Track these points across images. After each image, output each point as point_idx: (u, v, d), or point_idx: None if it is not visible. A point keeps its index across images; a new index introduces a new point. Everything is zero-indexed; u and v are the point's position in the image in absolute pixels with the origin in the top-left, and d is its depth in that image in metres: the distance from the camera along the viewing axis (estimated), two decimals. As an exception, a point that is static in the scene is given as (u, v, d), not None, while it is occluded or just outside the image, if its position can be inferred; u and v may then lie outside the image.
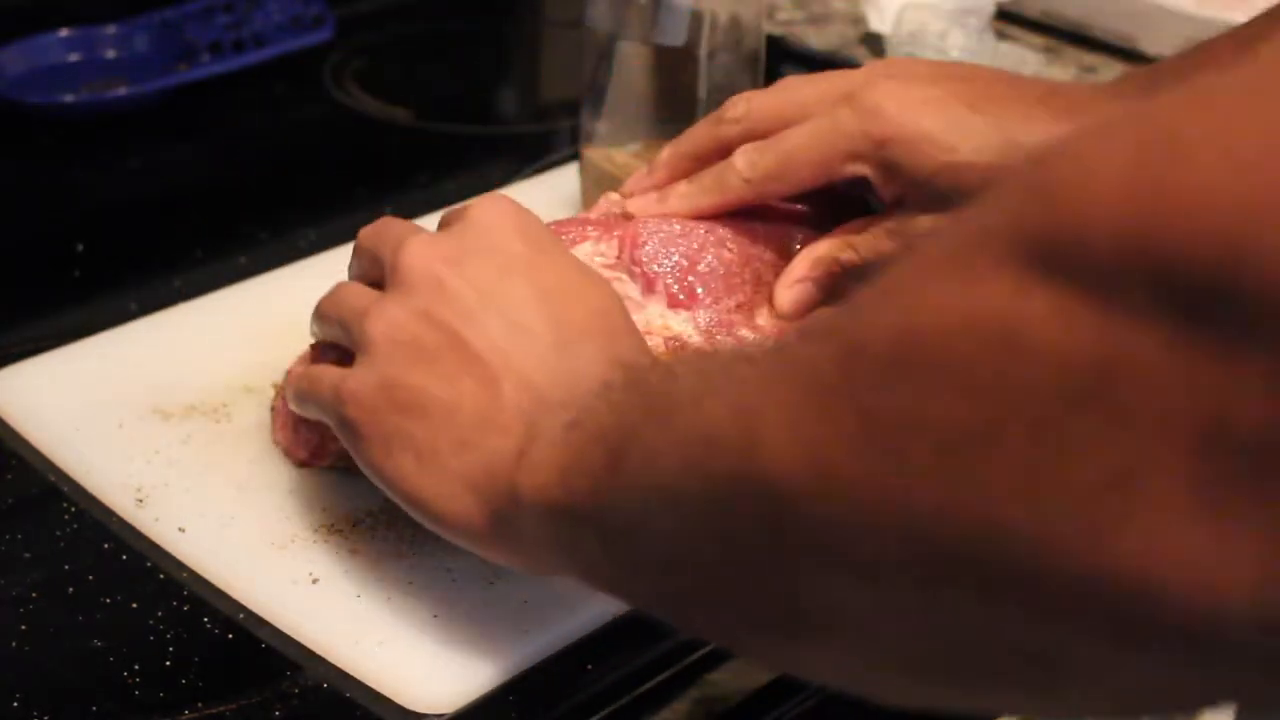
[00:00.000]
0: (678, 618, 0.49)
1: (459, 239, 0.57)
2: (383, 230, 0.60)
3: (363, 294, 0.59)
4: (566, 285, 0.57)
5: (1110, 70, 1.17)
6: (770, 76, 1.20)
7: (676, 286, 0.66)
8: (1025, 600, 0.33)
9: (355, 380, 0.56)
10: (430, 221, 0.84)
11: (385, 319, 0.55)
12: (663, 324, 0.65)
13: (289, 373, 0.64)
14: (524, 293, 0.55)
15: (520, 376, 0.53)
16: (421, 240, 0.57)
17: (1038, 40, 1.22)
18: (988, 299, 0.33)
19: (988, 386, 0.33)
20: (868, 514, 0.36)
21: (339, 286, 0.61)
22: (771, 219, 0.69)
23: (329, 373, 0.58)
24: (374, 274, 0.60)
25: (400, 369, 0.55)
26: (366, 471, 0.57)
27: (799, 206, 0.69)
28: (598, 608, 0.60)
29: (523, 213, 0.59)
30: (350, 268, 0.63)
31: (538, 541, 0.52)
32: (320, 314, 0.61)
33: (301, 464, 0.66)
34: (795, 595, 0.40)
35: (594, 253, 0.67)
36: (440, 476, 0.54)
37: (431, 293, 0.55)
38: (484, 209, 0.58)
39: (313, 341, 0.68)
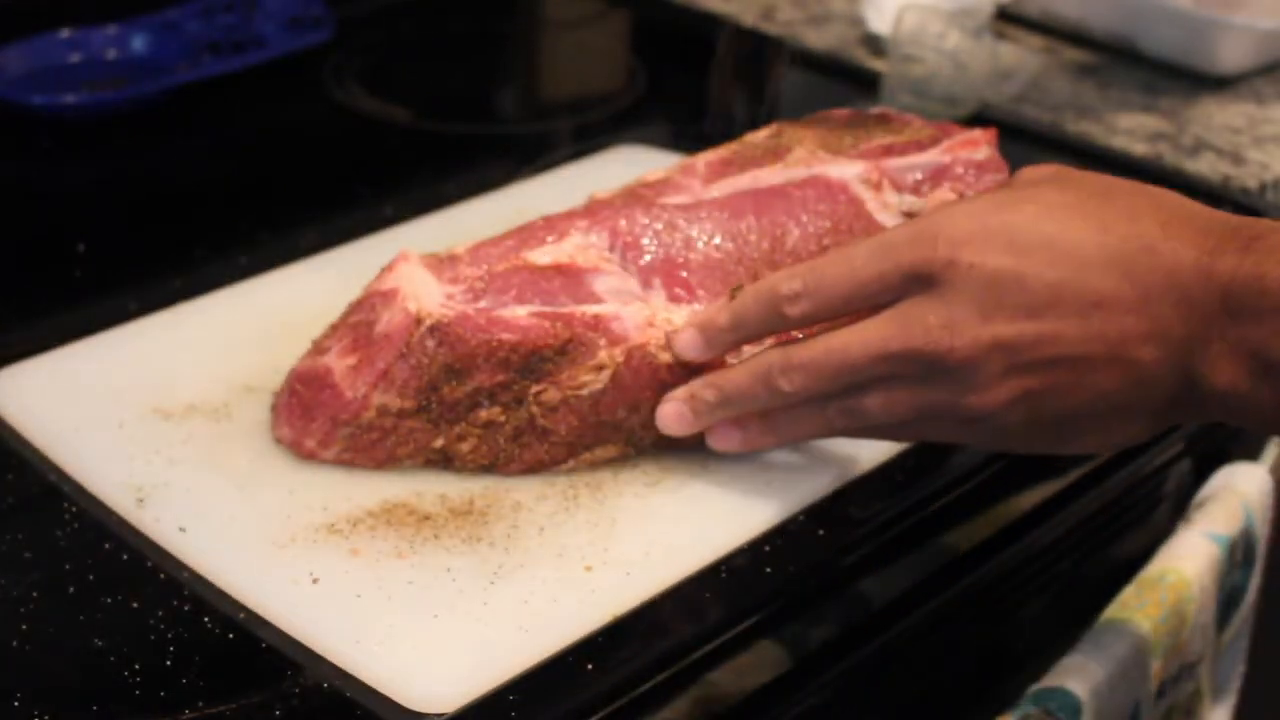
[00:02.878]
0: None
1: (956, 303, 0.58)
2: (847, 356, 0.60)
3: (911, 395, 0.60)
4: (1057, 239, 0.58)
5: (1110, 70, 1.17)
6: (770, 77, 1.20)
7: (672, 280, 0.66)
8: None
9: (1002, 436, 0.61)
10: (430, 220, 0.85)
11: (981, 398, 0.59)
12: (665, 318, 0.65)
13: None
14: (1048, 283, 0.57)
15: (1126, 337, 0.57)
16: (932, 336, 0.58)
17: (1037, 40, 1.22)
18: None
19: None
20: None
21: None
22: (763, 212, 0.69)
23: (934, 406, 0.60)
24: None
25: (1026, 414, 0.59)
26: (1016, 450, 0.64)
27: (792, 201, 0.69)
28: (596, 609, 0.60)
29: (946, 231, 0.59)
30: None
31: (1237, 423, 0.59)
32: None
33: (309, 455, 0.66)
34: None
35: (585, 244, 0.67)
36: (1125, 432, 0.60)
37: (996, 357, 0.58)
38: (940, 265, 0.58)
39: (322, 336, 0.68)
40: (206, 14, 1.07)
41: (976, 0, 1.14)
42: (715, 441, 0.65)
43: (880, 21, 1.16)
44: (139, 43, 1.06)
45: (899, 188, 0.71)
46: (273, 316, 0.75)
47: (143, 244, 0.88)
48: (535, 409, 0.65)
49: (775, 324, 0.63)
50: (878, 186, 0.70)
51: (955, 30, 1.04)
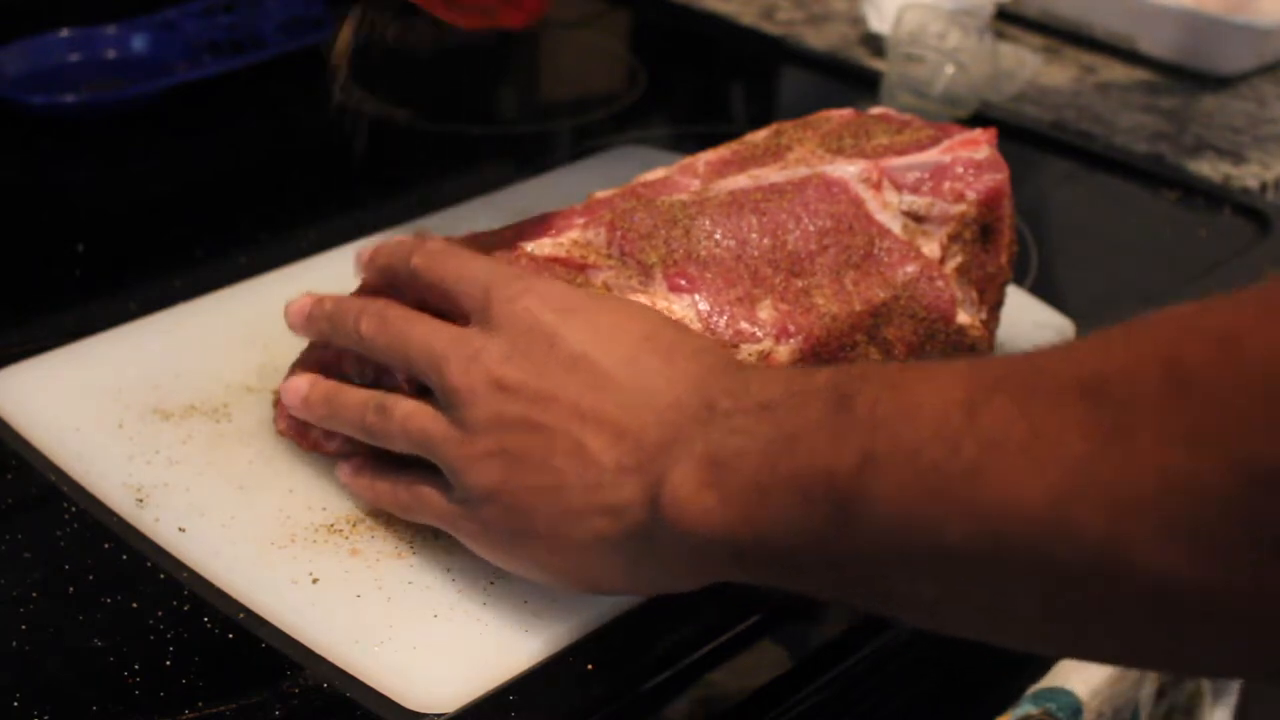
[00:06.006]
0: (877, 609, 0.52)
1: (496, 334, 0.58)
2: (412, 332, 0.60)
3: (428, 415, 0.59)
4: (608, 327, 0.58)
5: (1110, 70, 1.17)
6: (770, 77, 1.20)
7: (672, 272, 0.66)
8: None
9: (461, 503, 0.59)
10: (430, 221, 0.85)
11: (466, 444, 0.57)
12: (666, 306, 0.65)
13: (352, 469, 0.64)
14: (573, 352, 0.56)
15: (603, 429, 0.55)
16: (462, 356, 0.58)
17: (1037, 40, 1.22)
18: None
19: None
20: (1251, 622, 0.39)
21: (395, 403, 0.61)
22: (763, 211, 0.69)
23: (434, 496, 0.60)
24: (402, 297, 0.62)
25: (496, 478, 0.57)
26: (501, 565, 0.60)
27: (792, 199, 0.69)
28: (598, 608, 0.60)
29: (536, 285, 0.59)
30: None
31: (711, 567, 0.54)
32: (392, 435, 0.61)
33: (313, 446, 0.66)
34: (1051, 630, 0.45)
35: (582, 240, 0.67)
36: (571, 553, 0.56)
37: (493, 399, 0.57)
38: (506, 299, 0.59)
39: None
40: (206, 14, 1.07)
41: (976, 0, 1.14)
42: (288, 382, 0.66)
43: (880, 21, 1.16)
44: (139, 43, 1.06)
45: (899, 187, 0.71)
46: (273, 316, 0.75)
47: (143, 244, 0.88)
48: None
49: (400, 266, 0.63)
50: (878, 186, 0.70)
51: (955, 30, 1.04)
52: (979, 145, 0.73)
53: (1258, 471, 0.37)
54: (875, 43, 1.18)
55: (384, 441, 0.61)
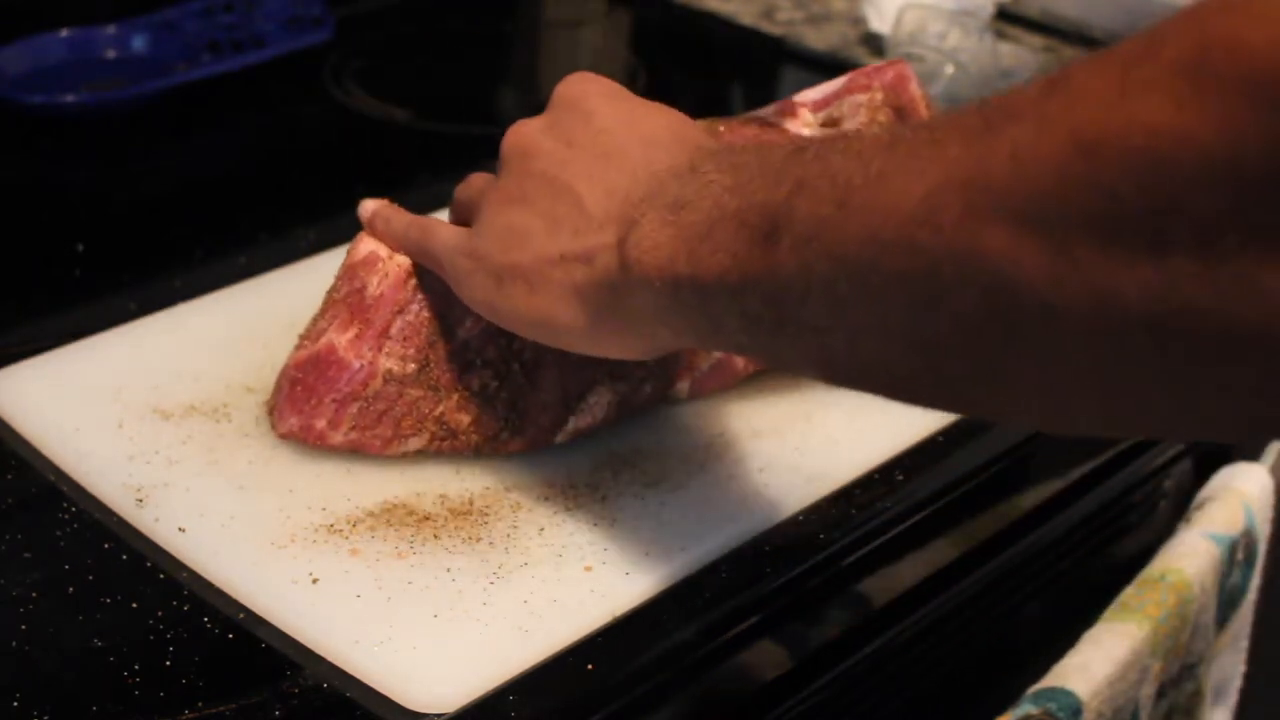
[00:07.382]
0: (828, 371, 0.53)
1: (549, 112, 0.64)
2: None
3: (483, 177, 0.67)
4: (640, 113, 0.62)
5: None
6: (771, 77, 1.20)
7: None
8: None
9: (470, 236, 0.63)
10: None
11: (494, 187, 0.63)
12: None
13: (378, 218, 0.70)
14: (604, 126, 0.61)
15: (605, 186, 0.59)
16: (520, 122, 0.64)
17: (1037, 40, 1.22)
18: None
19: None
20: (1100, 290, 0.39)
21: (471, 176, 0.69)
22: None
23: (444, 228, 0.65)
24: None
25: (505, 218, 0.61)
26: (483, 312, 0.63)
27: (719, 138, 0.71)
28: (598, 607, 0.60)
29: (601, 79, 0.65)
30: None
31: (653, 321, 0.57)
32: (455, 201, 0.69)
33: (318, 438, 0.66)
34: (988, 355, 0.44)
35: None
36: (546, 295, 0.60)
37: (527, 155, 0.62)
38: (567, 84, 0.65)
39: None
40: (206, 14, 1.07)
41: (976, 0, 1.14)
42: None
43: (880, 21, 1.16)
44: (139, 43, 1.06)
45: (812, 110, 0.73)
46: (273, 316, 0.75)
47: (143, 244, 0.88)
48: (517, 366, 0.67)
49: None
50: (793, 114, 0.72)
51: (955, 30, 1.04)
52: (882, 65, 0.75)
53: (1088, 140, 0.39)
54: (875, 43, 1.18)
55: (455, 207, 0.69)
